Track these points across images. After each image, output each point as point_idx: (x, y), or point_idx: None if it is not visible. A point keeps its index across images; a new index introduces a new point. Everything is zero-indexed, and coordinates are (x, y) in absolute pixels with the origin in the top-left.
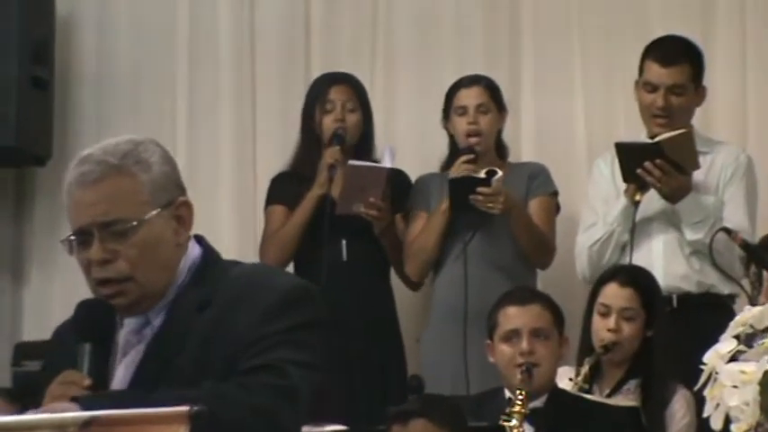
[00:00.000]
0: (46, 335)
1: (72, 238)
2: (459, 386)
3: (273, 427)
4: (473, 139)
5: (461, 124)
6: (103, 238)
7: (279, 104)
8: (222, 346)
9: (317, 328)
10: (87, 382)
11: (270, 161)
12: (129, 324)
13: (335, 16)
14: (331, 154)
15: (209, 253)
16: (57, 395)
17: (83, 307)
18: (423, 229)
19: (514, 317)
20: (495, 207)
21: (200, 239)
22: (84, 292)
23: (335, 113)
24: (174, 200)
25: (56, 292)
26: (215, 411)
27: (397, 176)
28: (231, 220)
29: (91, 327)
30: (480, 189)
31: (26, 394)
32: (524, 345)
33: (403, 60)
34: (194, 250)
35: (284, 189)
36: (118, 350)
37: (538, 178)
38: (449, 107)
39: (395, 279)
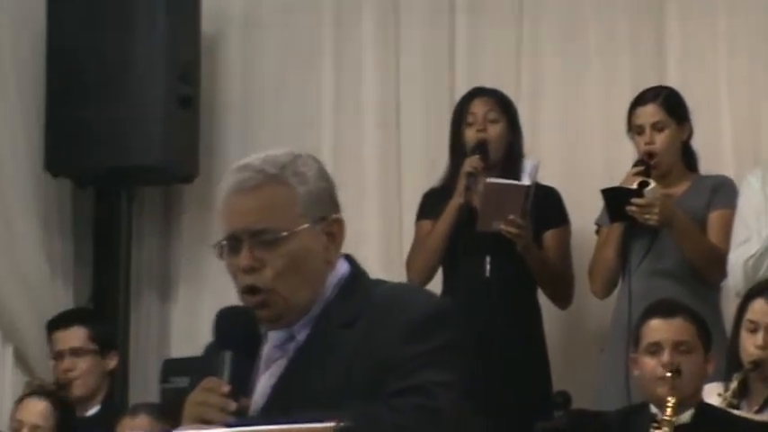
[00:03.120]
0: (194, 351)
1: (223, 243)
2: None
3: None
4: (651, 161)
5: (639, 144)
6: (253, 246)
7: (423, 121)
8: (364, 366)
9: (458, 349)
10: (226, 389)
11: (415, 178)
12: (273, 338)
13: (480, 32)
14: (470, 162)
15: (356, 271)
16: (198, 401)
17: (224, 316)
18: (602, 244)
19: (657, 330)
20: (651, 218)
21: (349, 258)
22: None
23: (477, 124)
24: (327, 216)
25: (204, 308)
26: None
27: (545, 193)
28: (377, 236)
29: (231, 335)
30: (634, 200)
31: (174, 411)
32: (666, 357)
33: (549, 73)
34: (342, 268)
35: (433, 204)
36: (261, 363)
37: (720, 191)
38: (630, 122)
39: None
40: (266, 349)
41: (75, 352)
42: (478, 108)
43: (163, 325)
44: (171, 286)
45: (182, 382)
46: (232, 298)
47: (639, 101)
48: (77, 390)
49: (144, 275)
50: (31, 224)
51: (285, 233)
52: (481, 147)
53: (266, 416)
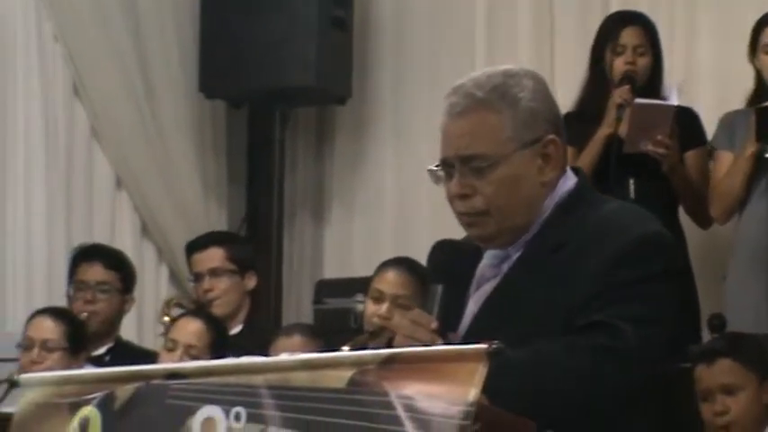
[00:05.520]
0: (346, 273)
1: (436, 167)
2: (762, 326)
3: (593, 391)
4: None
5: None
6: (463, 172)
7: (577, 42)
8: (568, 291)
9: (670, 280)
10: (434, 325)
11: (567, 101)
12: (488, 257)
13: None
14: (620, 93)
15: (580, 188)
16: (406, 335)
17: (438, 249)
18: (728, 172)
19: None
20: None
21: (578, 172)
22: (384, 231)
23: (626, 56)
24: (540, 137)
25: (356, 230)
26: (535, 375)
27: (684, 114)
28: None
29: (444, 268)
30: None
31: (327, 331)
32: None
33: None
34: (567, 184)
35: (571, 129)
36: (473, 282)
37: None
38: (755, 43)
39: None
40: (480, 268)
41: (214, 272)
42: (628, 39)
43: (316, 246)
44: (324, 207)
45: (334, 303)
46: (385, 219)
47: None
48: (218, 309)
49: (297, 196)
50: (186, 146)
51: (494, 159)
52: (630, 78)
53: (469, 339)
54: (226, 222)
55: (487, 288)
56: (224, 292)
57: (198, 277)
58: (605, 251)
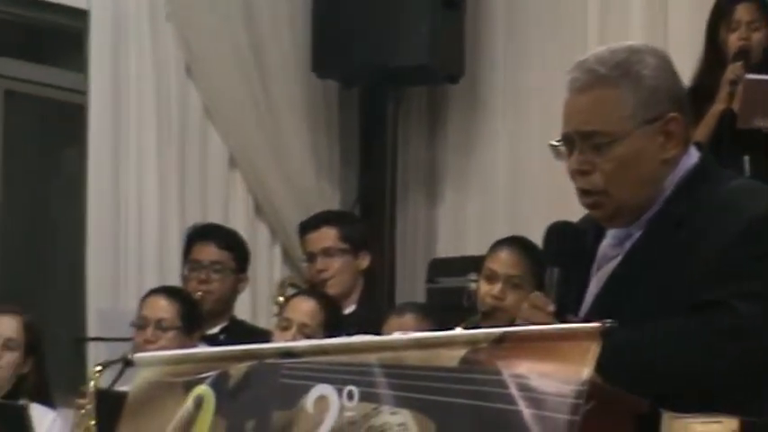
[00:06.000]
0: (459, 252)
1: (558, 143)
2: None
3: (710, 370)
4: None
5: None
6: (583, 149)
7: (690, 19)
8: (689, 269)
9: None
10: (552, 308)
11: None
12: (610, 236)
13: None
14: (732, 70)
15: (703, 165)
16: (524, 318)
17: (554, 231)
18: None
19: None
20: None
21: (700, 148)
22: (497, 210)
23: (740, 32)
24: (661, 115)
25: (470, 209)
26: (649, 354)
27: None
28: None
29: (561, 251)
30: None
31: (440, 310)
32: None
33: None
34: (689, 161)
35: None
36: (595, 262)
37: None
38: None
39: None
40: (602, 248)
41: (327, 252)
42: (742, 15)
43: (429, 225)
44: (437, 186)
45: (447, 282)
46: (498, 198)
47: None
48: (332, 289)
49: (410, 175)
50: (299, 126)
51: (613, 137)
52: (744, 54)
53: (591, 320)
54: (339, 202)
55: (609, 267)
56: (337, 271)
57: (311, 257)
58: (726, 228)
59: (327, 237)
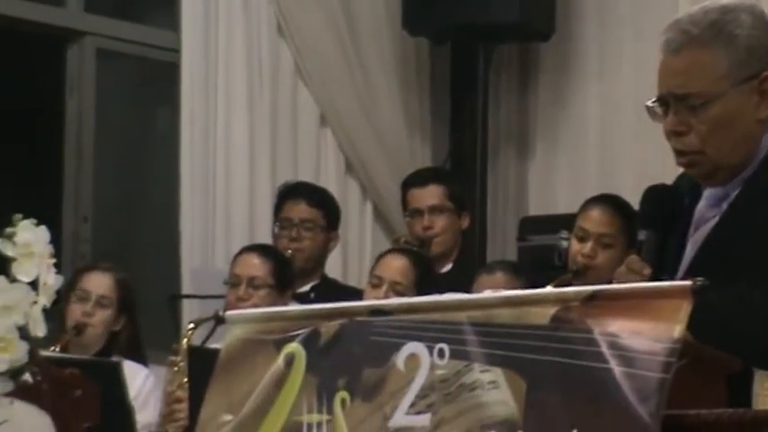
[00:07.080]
0: (550, 210)
1: (653, 103)
2: None
3: None
4: None
5: None
6: (678, 110)
7: None
8: None
9: None
10: (647, 271)
11: None
12: (707, 197)
13: None
14: None
15: None
16: (619, 282)
17: (649, 194)
18: None
19: None
20: None
21: None
22: (588, 168)
23: None
24: (757, 74)
25: (560, 167)
26: (737, 318)
27: None
28: None
29: (657, 216)
30: None
31: (531, 268)
32: None
33: None
34: None
35: None
36: (693, 222)
37: None
38: None
39: None
40: (699, 210)
41: (434, 209)
42: None
43: (519, 183)
44: (528, 144)
45: (538, 240)
46: (589, 156)
47: None
48: (437, 247)
49: (501, 133)
50: (390, 83)
51: (707, 98)
52: None
53: (688, 277)
54: (430, 160)
55: (706, 229)
56: (442, 230)
57: (415, 213)
58: None
59: (435, 194)
